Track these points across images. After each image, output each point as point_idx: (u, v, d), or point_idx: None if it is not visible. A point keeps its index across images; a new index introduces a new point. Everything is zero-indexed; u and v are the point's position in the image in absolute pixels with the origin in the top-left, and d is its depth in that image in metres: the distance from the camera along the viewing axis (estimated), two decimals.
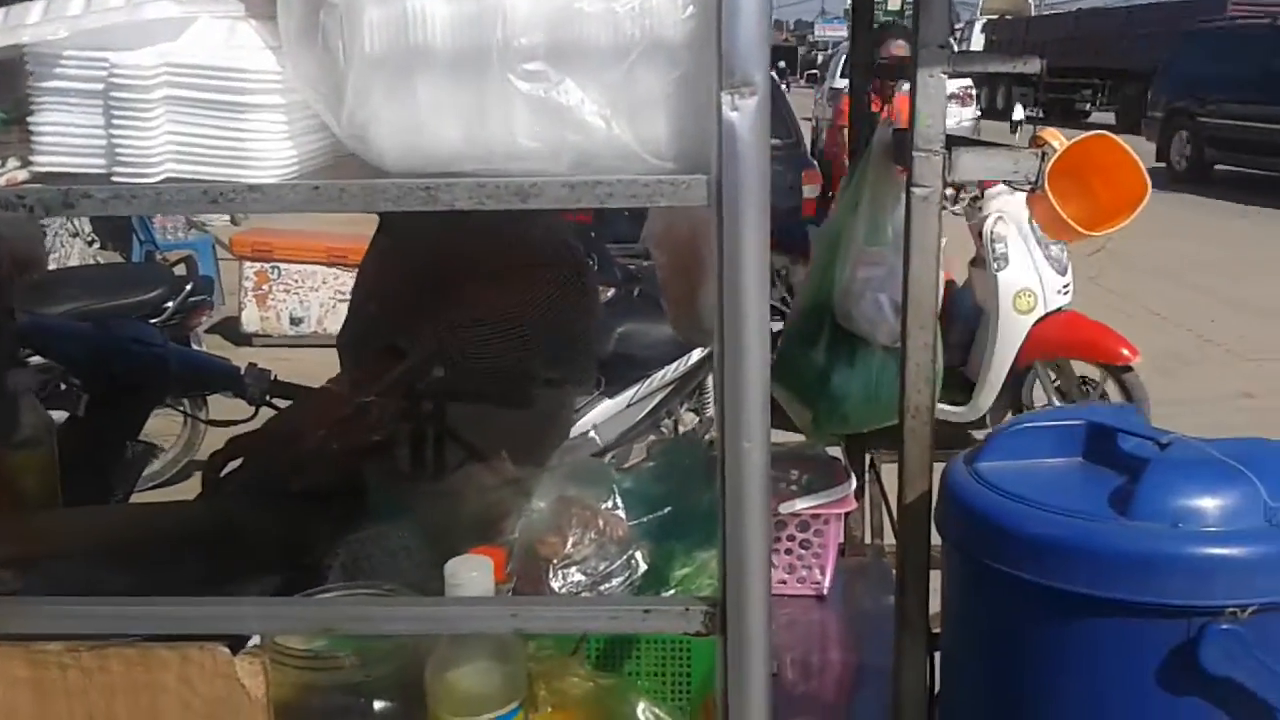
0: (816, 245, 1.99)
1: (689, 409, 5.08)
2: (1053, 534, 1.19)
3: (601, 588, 1.54)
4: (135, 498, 3.16)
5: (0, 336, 2.09)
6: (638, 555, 1.57)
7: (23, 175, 1.08)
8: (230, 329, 6.76)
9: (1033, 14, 31.24)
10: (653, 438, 4.74)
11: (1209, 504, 1.17)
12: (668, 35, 1.03)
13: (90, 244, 7.00)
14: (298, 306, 6.77)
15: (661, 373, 4.51)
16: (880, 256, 1.86)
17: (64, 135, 1.06)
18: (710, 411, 5.07)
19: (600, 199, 1.05)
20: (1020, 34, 27.07)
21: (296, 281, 6.75)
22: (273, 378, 2.66)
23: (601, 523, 1.57)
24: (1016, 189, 1.47)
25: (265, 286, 6.70)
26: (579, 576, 1.54)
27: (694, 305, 1.81)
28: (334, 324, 6.93)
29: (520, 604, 1.23)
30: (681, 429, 4.96)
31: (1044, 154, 1.45)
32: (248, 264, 6.71)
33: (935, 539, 1.46)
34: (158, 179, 1.06)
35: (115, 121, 1.04)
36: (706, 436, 4.64)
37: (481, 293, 1.89)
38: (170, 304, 4.28)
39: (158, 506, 2.36)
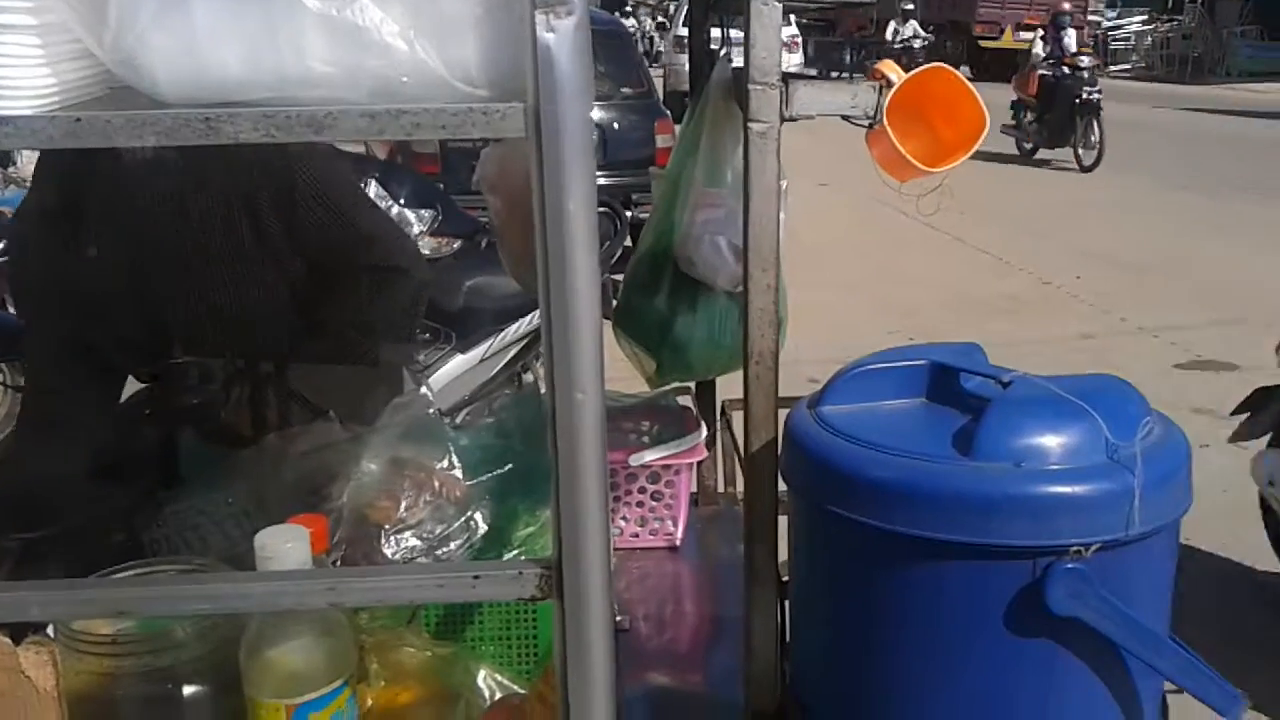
0: (656, 190, 1.93)
1: (543, 364, 4.99)
2: (895, 477, 1.16)
3: (439, 552, 1.46)
4: None
5: None
6: (477, 517, 1.50)
7: None
8: None
9: None
10: (509, 391, 4.65)
11: (1051, 442, 1.15)
12: None
13: None
14: None
15: (515, 326, 4.40)
16: (720, 198, 1.80)
17: None
18: None
19: (405, 130, 0.95)
20: None
21: None
22: None
23: (437, 484, 1.49)
24: (855, 124, 1.42)
25: None
26: (414, 542, 1.45)
27: (529, 254, 1.71)
28: None
29: (337, 576, 1.13)
30: (541, 385, 4.87)
31: (882, 87, 1.41)
32: None
33: (784, 486, 1.42)
34: None
35: None
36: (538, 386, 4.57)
37: None
38: None
39: None
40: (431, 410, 1.56)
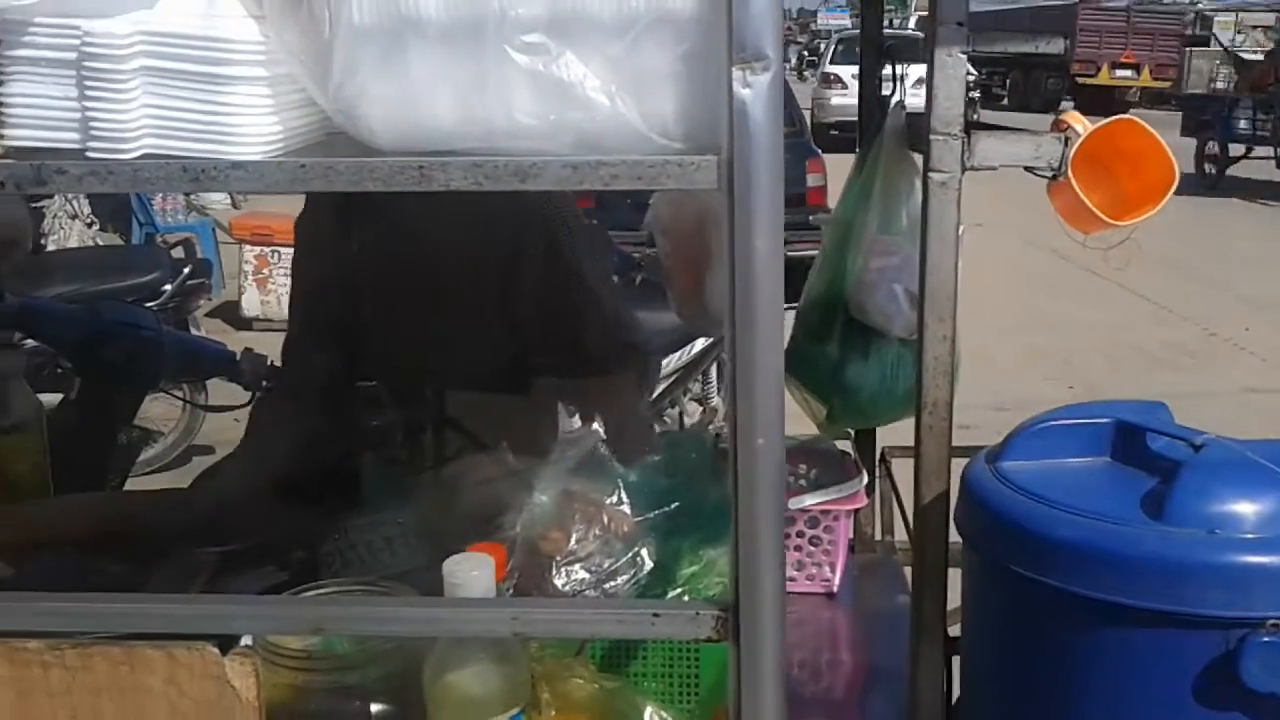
0: (827, 235, 1.93)
1: (693, 399, 5.03)
2: (1081, 538, 1.13)
3: (606, 586, 1.48)
4: (133, 483, 3.11)
5: None
6: (643, 552, 1.51)
7: None
8: (230, 313, 6.72)
9: None
10: (657, 429, 4.70)
11: (1247, 509, 1.11)
12: (675, 6, 0.97)
13: (90, 226, 6.96)
14: None
15: (665, 361, 4.45)
16: (895, 245, 1.80)
17: (35, 107, 1.00)
18: (715, 402, 5.01)
19: (604, 180, 0.99)
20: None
21: None
22: (269, 363, 2.60)
23: (606, 518, 1.51)
24: (1038, 175, 1.40)
25: (265, 270, 6.66)
26: (583, 574, 1.48)
27: (700, 293, 1.75)
28: None
29: (522, 606, 1.17)
30: (686, 419, 4.90)
31: (1067, 139, 1.39)
32: (248, 247, 6.66)
33: (951, 537, 1.40)
34: (135, 155, 1.00)
35: (89, 93, 0.98)
36: (713, 428, 4.59)
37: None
38: (168, 287, 4.24)
39: (150, 495, 2.31)
40: (601, 446, 1.59)
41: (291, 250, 6.44)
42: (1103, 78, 22.74)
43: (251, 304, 6.66)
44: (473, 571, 1.15)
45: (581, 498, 1.55)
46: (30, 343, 2.77)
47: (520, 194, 1.04)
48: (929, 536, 1.42)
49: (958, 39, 1.31)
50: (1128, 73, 23.98)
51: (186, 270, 4.29)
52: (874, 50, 2.06)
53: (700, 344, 4.48)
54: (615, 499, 1.54)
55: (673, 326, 4.39)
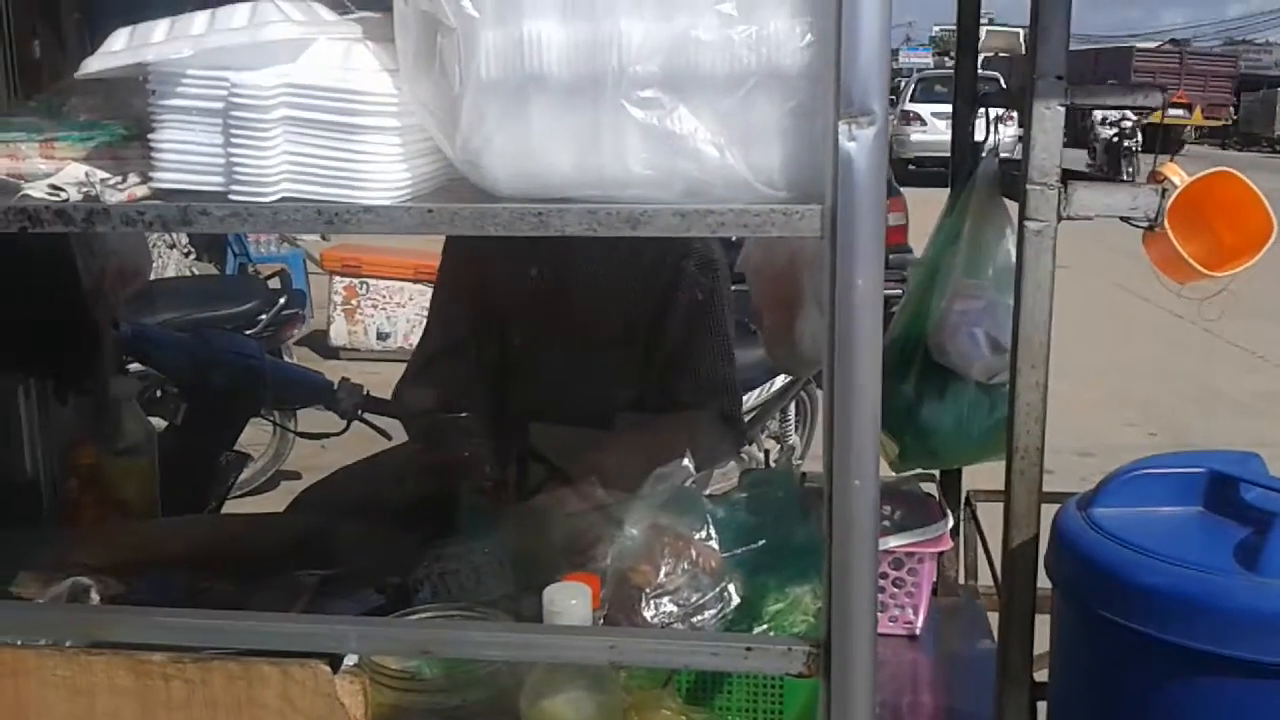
0: (912, 276, 1.95)
1: (770, 436, 5.04)
2: (1174, 586, 1.14)
3: (694, 619, 1.51)
4: (226, 506, 3.22)
5: (105, 345, 2.14)
6: (730, 588, 1.54)
7: (142, 191, 1.09)
8: (318, 342, 6.89)
9: (1023, 53, 31.23)
10: (733, 464, 4.72)
11: None
12: (785, 64, 1.01)
13: (186, 255, 7.20)
14: (384, 322, 6.89)
15: (744, 398, 4.48)
16: (979, 290, 1.81)
17: (184, 153, 1.08)
18: (792, 439, 5.02)
19: (712, 228, 1.04)
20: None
21: (384, 297, 6.87)
22: (365, 393, 2.69)
23: (695, 553, 1.55)
24: (1134, 225, 1.42)
25: (354, 301, 6.83)
26: (671, 607, 1.51)
27: (791, 334, 1.78)
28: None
29: (619, 635, 1.21)
30: (762, 455, 4.91)
31: (1164, 190, 1.40)
32: (337, 279, 6.84)
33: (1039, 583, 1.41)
34: (274, 198, 1.06)
35: (234, 140, 1.05)
36: (796, 464, 4.60)
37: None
38: (264, 316, 4.38)
39: (253, 518, 2.40)
40: (691, 482, 1.63)
41: (379, 281, 6.58)
42: (1156, 117, 23.03)
43: (339, 334, 6.84)
44: (571, 600, 1.19)
45: (670, 532, 1.59)
46: (136, 366, 2.90)
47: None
48: (1017, 581, 1.43)
49: (1056, 92, 1.34)
50: (1180, 112, 24.26)
51: (282, 300, 4.44)
52: (967, 95, 2.09)
53: (780, 381, 4.50)
54: (704, 534, 1.58)
55: (752, 363, 4.44)
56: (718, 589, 1.55)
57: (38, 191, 1.09)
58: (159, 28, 1.10)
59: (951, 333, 1.81)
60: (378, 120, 1.05)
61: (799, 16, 1.00)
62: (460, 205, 1.06)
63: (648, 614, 1.51)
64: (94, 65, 1.09)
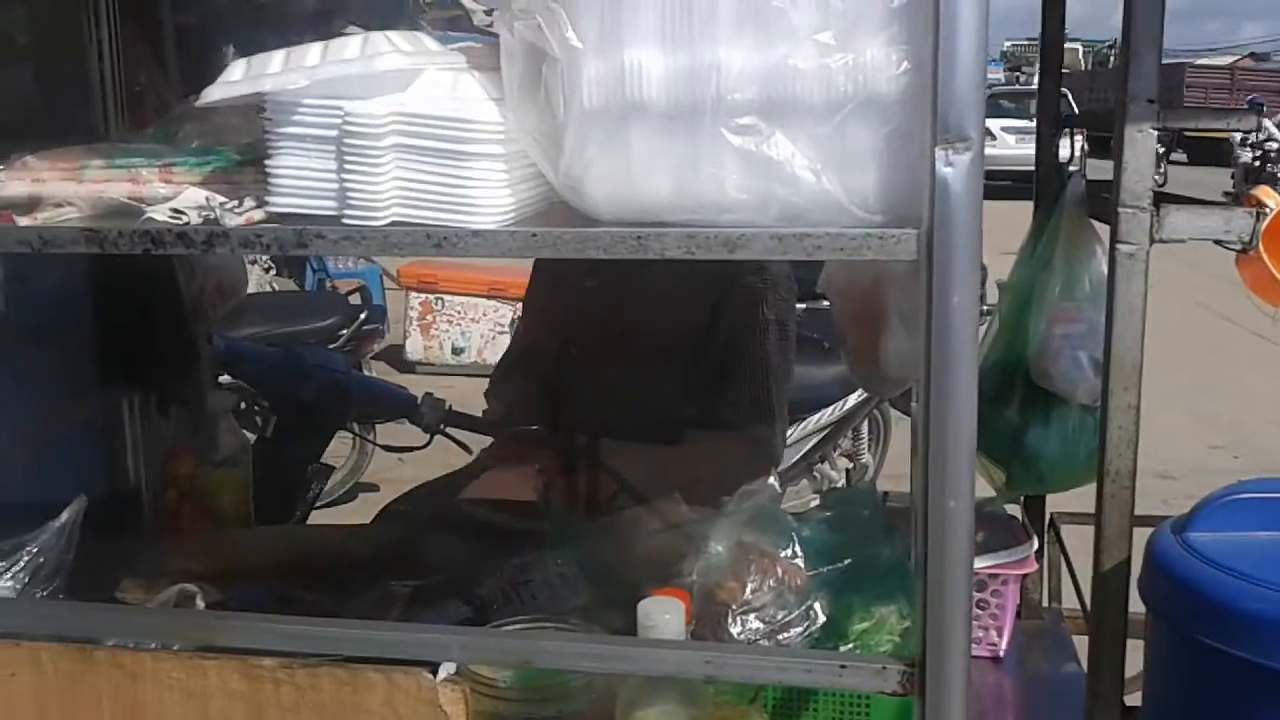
0: (1004, 300, 1.95)
1: (843, 455, 5.01)
2: (1272, 611, 1.13)
3: (780, 637, 1.52)
4: (309, 518, 3.29)
5: (202, 360, 2.22)
6: (816, 607, 1.55)
7: (259, 214, 1.14)
8: (394, 356, 7.01)
9: (1082, 69, 30.65)
10: (806, 481, 4.70)
11: None
12: (881, 90, 1.03)
13: (267, 271, 7.37)
14: (459, 337, 6.99)
15: (817, 416, 4.47)
16: (1078, 313, 1.81)
17: (298, 178, 1.13)
18: (865, 458, 4.99)
19: (808, 251, 1.06)
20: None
21: (459, 313, 6.98)
22: (448, 407, 2.74)
23: (781, 571, 1.56)
24: (1228, 248, 1.41)
25: (429, 317, 6.95)
26: (757, 624, 1.53)
27: (875, 354, 1.79)
28: (493, 355, 7.11)
29: (715, 650, 1.23)
30: (834, 473, 4.89)
31: (1259, 213, 1.39)
32: (413, 294, 6.96)
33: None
34: (385, 222, 1.11)
35: (347, 166, 1.10)
36: (871, 482, 4.57)
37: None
38: (345, 331, 4.48)
39: (341, 529, 2.46)
40: (778, 500, 1.65)
41: (454, 297, 6.68)
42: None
43: (415, 348, 6.96)
44: (665, 614, 1.21)
45: (756, 549, 1.61)
46: (225, 378, 2.99)
47: None
48: (1108, 605, 1.42)
49: (1148, 115, 1.34)
50: None
51: (362, 315, 4.54)
52: (1050, 115, 2.08)
53: (853, 400, 4.48)
54: (790, 552, 1.59)
55: (825, 381, 4.43)
56: (803, 607, 1.56)
57: (160, 215, 1.15)
58: (275, 59, 1.15)
59: (1054, 356, 1.81)
60: (485, 147, 1.09)
61: (895, 45, 1.02)
62: (563, 229, 1.09)
63: (734, 630, 1.53)
64: (215, 94, 1.15)
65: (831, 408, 4.43)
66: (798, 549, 1.59)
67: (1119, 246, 1.36)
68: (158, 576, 1.78)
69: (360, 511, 4.36)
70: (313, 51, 1.14)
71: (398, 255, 1.12)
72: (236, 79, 1.14)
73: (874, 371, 1.81)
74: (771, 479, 1.64)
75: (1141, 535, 1.43)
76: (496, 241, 1.09)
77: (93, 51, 1.88)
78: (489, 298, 7.04)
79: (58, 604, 1.44)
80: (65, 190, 1.22)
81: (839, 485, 4.64)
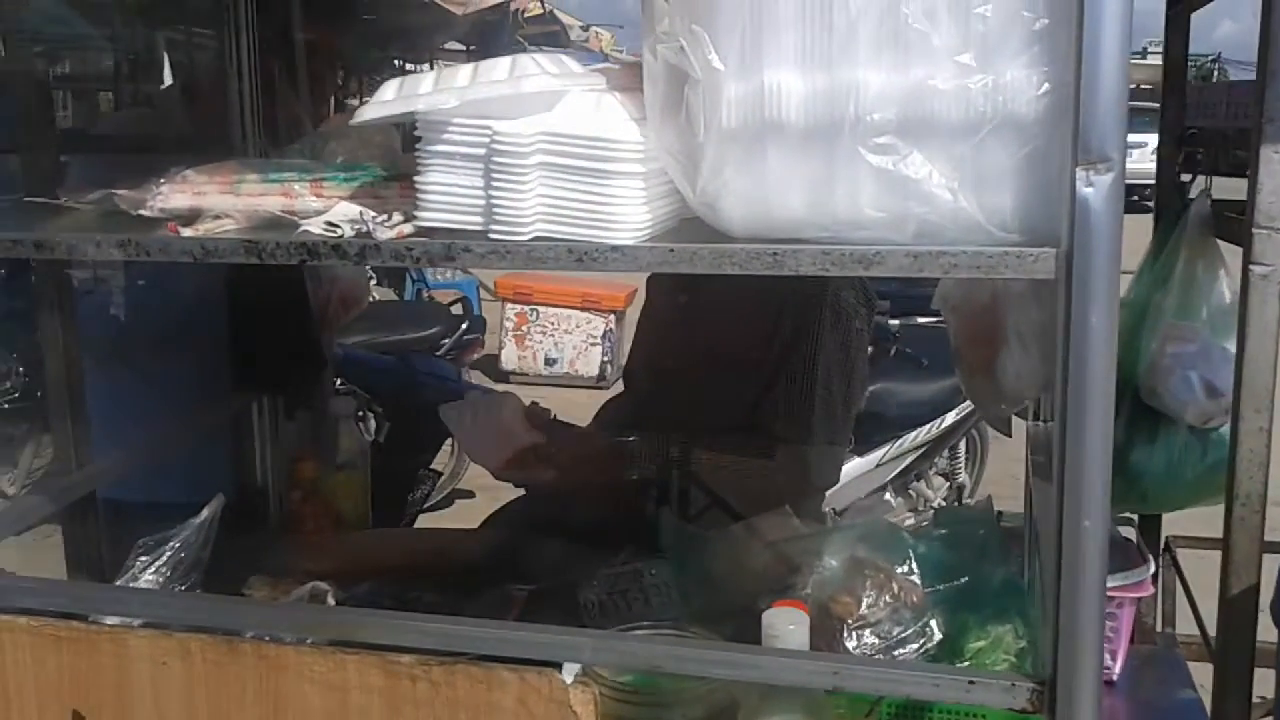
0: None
1: (938, 473, 4.96)
2: None
3: (895, 653, 1.53)
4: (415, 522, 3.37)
5: (326, 367, 2.30)
6: (933, 624, 1.55)
7: (409, 229, 1.20)
8: (489, 365, 7.14)
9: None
10: (901, 499, 4.66)
11: None
12: (1021, 111, 1.04)
13: (369, 281, 7.56)
14: (552, 348, 7.10)
15: (913, 434, 4.44)
16: (1191, 333, 1.78)
17: (447, 194, 1.17)
18: (961, 477, 4.93)
19: (944, 269, 1.07)
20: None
21: (553, 324, 7.08)
22: (553, 417, 2.79)
23: (897, 587, 1.57)
24: None
25: (524, 328, 7.06)
26: (872, 640, 1.53)
27: (991, 372, 1.78)
28: (584, 366, 7.21)
29: (843, 662, 1.24)
30: (929, 492, 4.85)
31: None
32: (509, 305, 7.08)
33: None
34: (528, 237, 1.15)
35: (494, 183, 1.14)
36: (966, 502, 4.52)
37: None
38: (447, 340, 4.58)
39: (453, 533, 2.52)
40: (894, 515, 1.65)
41: (548, 309, 6.80)
42: None
43: (510, 358, 7.08)
44: (790, 625, 1.23)
45: (871, 565, 1.61)
46: (339, 385, 3.09)
47: None
48: (1235, 631, 1.40)
49: None
50: None
51: (463, 326, 4.63)
52: (1173, 134, 2.06)
53: (950, 418, 4.44)
54: (906, 569, 1.60)
55: (923, 399, 4.40)
56: (920, 624, 1.56)
57: (316, 228, 1.20)
58: (426, 80, 1.20)
59: (1164, 375, 1.79)
60: (626, 165, 1.13)
61: (1036, 66, 1.03)
62: (699, 245, 1.11)
63: (850, 645, 1.53)
64: (368, 114, 1.20)
65: (928, 425, 4.39)
66: (914, 565, 1.60)
67: (1252, 268, 1.35)
68: (282, 575, 1.85)
69: (458, 517, 4.45)
70: (462, 72, 1.19)
71: (540, 269, 1.16)
72: (389, 98, 1.20)
73: (989, 389, 1.80)
74: (888, 496, 1.64)
75: (1269, 561, 1.41)
76: (635, 256, 1.13)
77: (233, 71, 1.96)
78: (582, 310, 7.14)
79: (207, 597, 1.51)
80: (223, 203, 1.29)
81: (935, 504, 4.60)
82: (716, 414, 2.18)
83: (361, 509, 2.22)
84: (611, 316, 7.20)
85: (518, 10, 8.28)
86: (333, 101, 2.26)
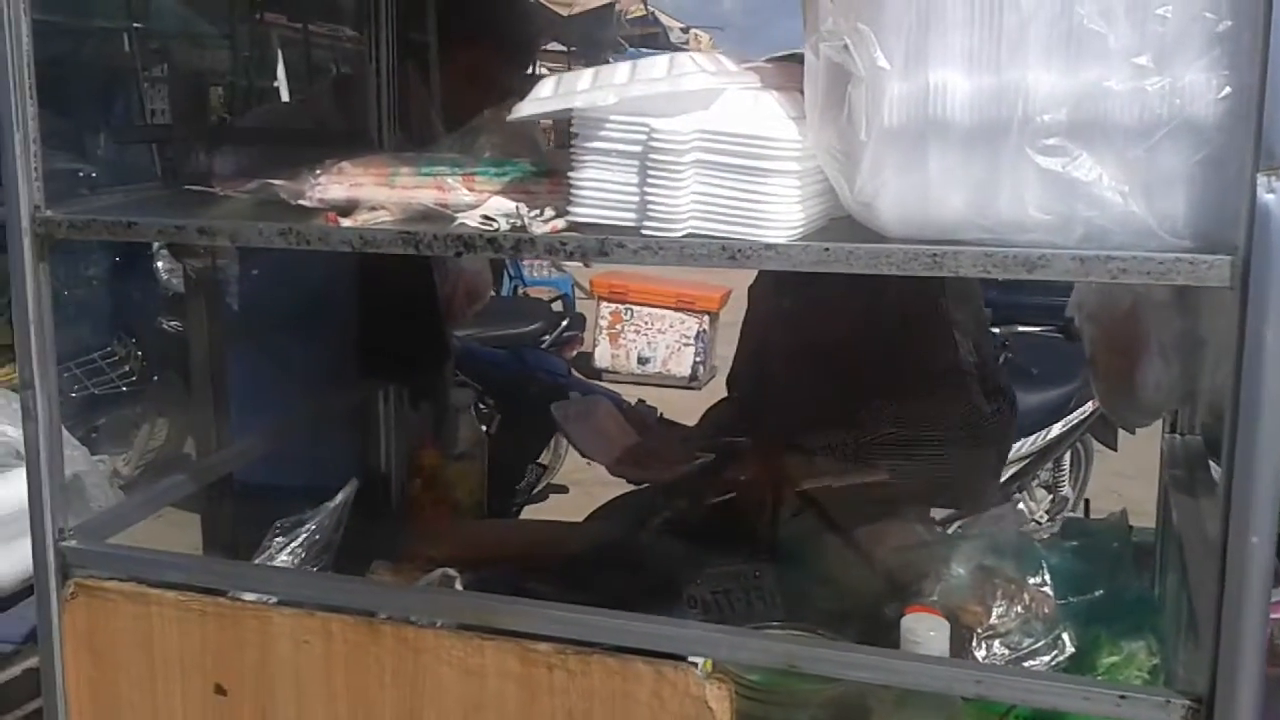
0: None
1: (1041, 485, 4.87)
2: None
3: (1025, 665, 1.50)
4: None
5: (449, 359, 2.34)
6: (1065, 637, 1.52)
7: (561, 223, 1.21)
8: (582, 363, 7.18)
9: None
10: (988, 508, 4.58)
11: None
12: (1198, 115, 1.02)
13: (490, 275, 7.67)
14: (645, 347, 7.13)
15: (1018, 445, 4.35)
16: None
17: (601, 190, 1.18)
18: (1065, 490, 4.83)
19: (1111, 274, 1.05)
20: None
21: (646, 323, 7.11)
22: (659, 415, 2.81)
23: (1028, 597, 1.54)
24: None
25: (618, 326, 7.10)
26: (1002, 650, 1.51)
27: (1130, 382, 1.74)
28: (677, 366, 7.22)
29: (986, 670, 1.23)
30: (1032, 504, 4.75)
31: None
32: (604, 304, 7.13)
33: None
34: (681, 234, 1.15)
35: (650, 180, 1.15)
36: (1070, 515, 4.42)
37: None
38: (548, 337, 4.63)
39: (560, 525, 2.54)
40: (1025, 526, 1.63)
41: (642, 308, 6.82)
42: None
43: (603, 356, 7.12)
44: (930, 631, 1.22)
45: (1001, 574, 1.59)
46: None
47: None
48: None
49: None
50: None
51: (564, 323, 4.68)
52: None
53: (1057, 429, 4.36)
54: (1039, 580, 1.57)
55: (1030, 409, 4.31)
56: (1051, 636, 1.53)
57: (472, 221, 1.23)
58: (583, 77, 1.22)
59: None
60: (783, 164, 1.12)
61: (1216, 69, 1.01)
62: (856, 245, 1.11)
63: (979, 654, 1.51)
64: (526, 110, 1.22)
65: (1033, 436, 4.32)
66: (1046, 577, 1.57)
67: None
68: (403, 561, 1.89)
69: (552, 510, 4.48)
70: (620, 70, 1.20)
71: (691, 265, 1.16)
72: (546, 95, 1.21)
73: (1127, 400, 1.77)
74: (1020, 505, 1.61)
75: None
76: (790, 255, 1.12)
77: (371, 69, 2.01)
78: (676, 310, 7.15)
79: (348, 579, 1.55)
80: (379, 195, 1.32)
81: (1038, 516, 4.52)
82: (823, 419, 2.17)
83: (477, 498, 2.25)
84: (705, 317, 7.20)
85: (620, 11, 8.33)
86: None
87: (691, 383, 7.18)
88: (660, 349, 7.17)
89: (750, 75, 1.22)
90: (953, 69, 1.07)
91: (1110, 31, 1.02)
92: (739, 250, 1.13)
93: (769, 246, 1.13)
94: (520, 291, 7.39)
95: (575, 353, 5.52)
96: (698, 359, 7.23)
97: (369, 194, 1.31)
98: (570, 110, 1.19)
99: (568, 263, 8.48)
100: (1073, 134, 1.04)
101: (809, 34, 1.12)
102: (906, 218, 1.11)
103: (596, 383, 4.79)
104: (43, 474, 1.42)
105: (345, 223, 1.27)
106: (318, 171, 1.35)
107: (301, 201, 1.32)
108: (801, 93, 1.18)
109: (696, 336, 7.22)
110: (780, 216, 1.13)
